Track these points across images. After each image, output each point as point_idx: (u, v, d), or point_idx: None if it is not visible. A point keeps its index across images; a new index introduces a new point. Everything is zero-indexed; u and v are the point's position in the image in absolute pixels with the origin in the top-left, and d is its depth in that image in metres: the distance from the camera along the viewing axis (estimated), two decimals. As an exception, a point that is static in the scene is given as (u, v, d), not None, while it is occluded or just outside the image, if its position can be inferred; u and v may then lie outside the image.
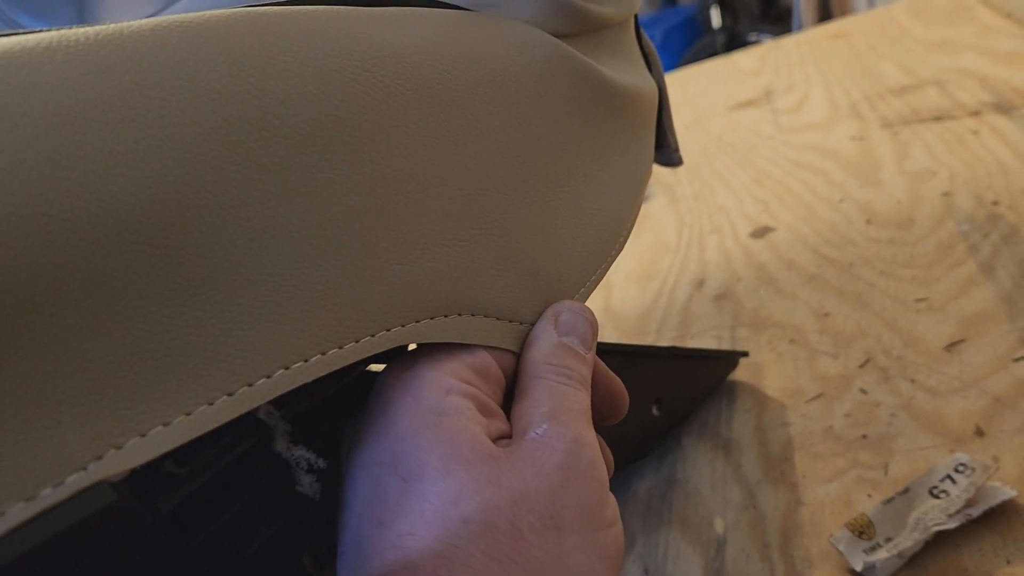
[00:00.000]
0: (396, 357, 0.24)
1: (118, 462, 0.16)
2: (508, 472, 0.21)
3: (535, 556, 0.20)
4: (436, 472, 0.20)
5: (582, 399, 0.24)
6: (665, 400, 0.42)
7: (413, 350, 0.23)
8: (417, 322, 0.22)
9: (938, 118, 0.70)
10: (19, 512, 0.15)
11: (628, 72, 0.33)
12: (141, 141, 0.17)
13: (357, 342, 0.21)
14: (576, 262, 0.28)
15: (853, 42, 1.00)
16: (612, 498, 0.23)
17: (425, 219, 0.23)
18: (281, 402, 0.23)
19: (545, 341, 0.25)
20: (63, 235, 0.16)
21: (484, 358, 0.24)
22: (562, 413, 0.23)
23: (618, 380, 0.27)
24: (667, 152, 0.40)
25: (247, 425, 0.22)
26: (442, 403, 0.22)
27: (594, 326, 0.26)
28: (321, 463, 0.24)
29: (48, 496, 0.15)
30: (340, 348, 0.21)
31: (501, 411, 0.24)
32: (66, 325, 0.16)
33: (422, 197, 0.23)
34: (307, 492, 0.23)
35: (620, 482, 0.43)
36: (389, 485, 0.21)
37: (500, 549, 0.20)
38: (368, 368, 0.30)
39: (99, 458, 0.16)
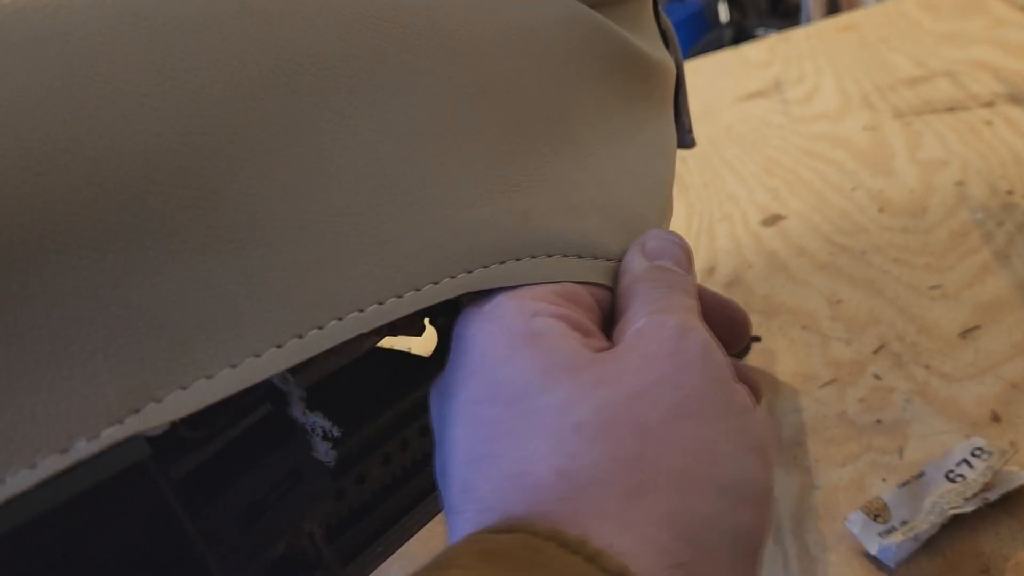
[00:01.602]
0: (473, 298, 0.22)
1: (157, 416, 0.16)
2: (616, 370, 0.19)
3: (673, 450, 0.18)
4: (537, 388, 0.19)
5: (686, 300, 0.22)
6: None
7: (490, 289, 0.22)
8: (485, 267, 0.21)
9: (950, 109, 0.69)
10: (52, 464, 0.15)
11: (648, 47, 0.33)
12: (163, 83, 0.17)
13: (419, 290, 0.20)
14: (645, 204, 0.27)
15: (863, 34, 1.00)
16: (741, 386, 0.20)
17: (469, 167, 0.22)
18: (296, 369, 0.22)
19: (636, 266, 0.23)
20: (86, 173, 0.15)
21: (572, 287, 0.22)
22: (663, 309, 0.21)
23: (733, 302, 0.25)
24: (682, 133, 0.40)
25: (262, 391, 0.22)
26: (531, 325, 0.20)
27: (687, 251, 0.24)
28: (336, 432, 0.23)
29: (82, 449, 0.15)
30: (400, 297, 0.20)
31: (600, 332, 0.22)
32: (96, 269, 0.15)
33: (461, 145, 0.22)
34: (323, 459, 0.22)
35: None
36: (492, 418, 0.19)
37: (628, 450, 0.18)
38: (379, 345, 0.29)
39: (136, 411, 0.16)
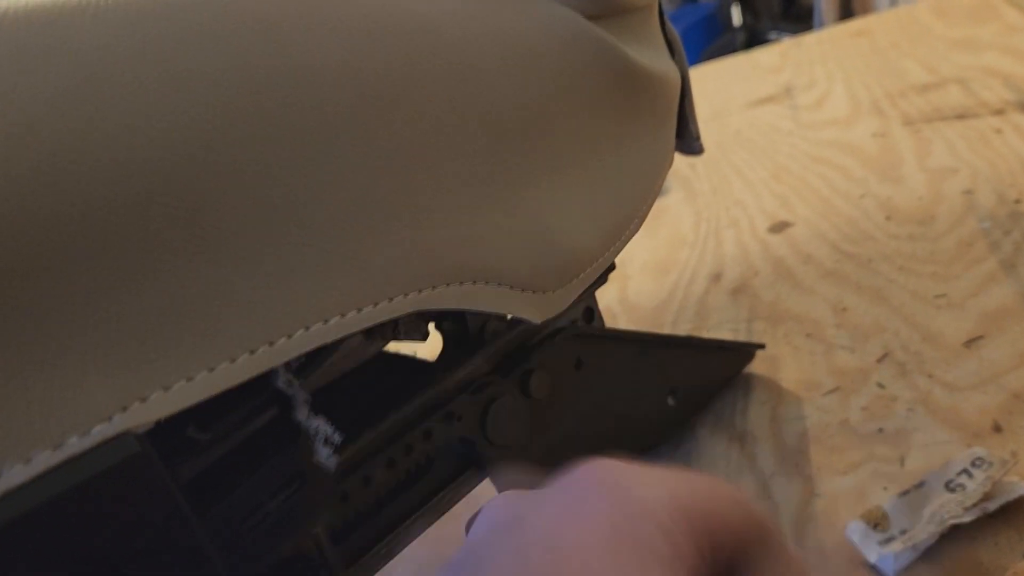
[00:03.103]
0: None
1: (142, 414, 0.16)
2: None
3: None
4: None
5: None
6: (680, 390, 0.42)
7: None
8: (433, 288, 0.22)
9: (960, 116, 0.69)
10: (45, 459, 0.15)
11: (651, 57, 0.33)
12: (170, 99, 0.17)
13: (375, 306, 0.21)
14: (590, 237, 0.29)
15: (875, 40, 0.99)
16: None
17: (445, 186, 0.23)
18: (302, 373, 0.23)
19: None
20: (91, 188, 0.16)
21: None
22: None
23: None
24: (688, 140, 0.40)
25: (268, 395, 0.22)
26: None
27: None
28: (338, 437, 0.24)
29: (74, 445, 0.16)
30: (359, 311, 0.21)
31: None
32: (93, 277, 0.16)
33: (443, 165, 0.23)
34: (324, 463, 0.23)
35: (633, 471, 0.43)
36: None
37: None
38: (384, 349, 0.30)
39: (124, 409, 0.16)
